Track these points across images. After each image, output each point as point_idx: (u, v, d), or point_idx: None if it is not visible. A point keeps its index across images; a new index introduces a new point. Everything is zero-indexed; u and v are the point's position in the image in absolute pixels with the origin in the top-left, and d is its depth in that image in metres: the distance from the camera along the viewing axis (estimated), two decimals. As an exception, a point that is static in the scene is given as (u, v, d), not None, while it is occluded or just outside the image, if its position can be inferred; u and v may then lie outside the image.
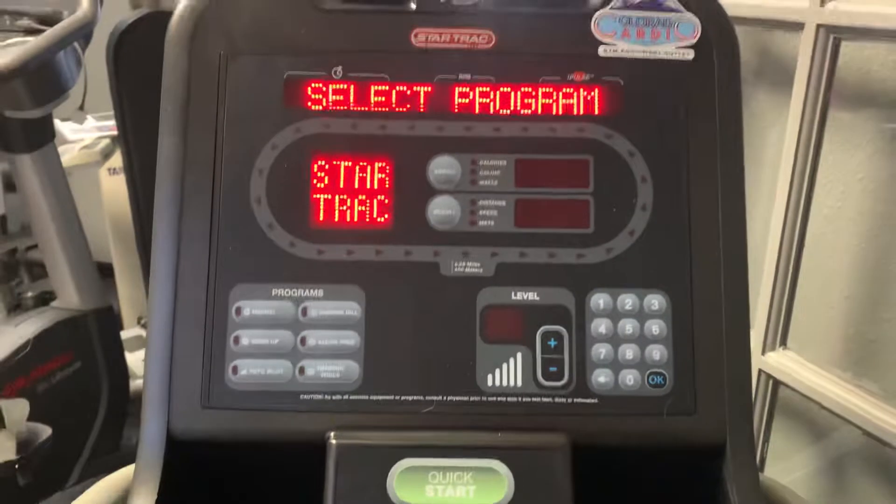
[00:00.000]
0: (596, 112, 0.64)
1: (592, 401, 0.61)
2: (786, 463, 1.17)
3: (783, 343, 1.07)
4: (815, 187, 1.02)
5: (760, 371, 1.08)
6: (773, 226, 1.03)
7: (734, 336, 0.63)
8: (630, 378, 0.61)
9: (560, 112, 0.64)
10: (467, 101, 0.64)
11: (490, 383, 0.61)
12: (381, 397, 0.60)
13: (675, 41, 0.65)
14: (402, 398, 0.60)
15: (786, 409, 1.14)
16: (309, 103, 0.64)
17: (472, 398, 0.61)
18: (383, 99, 0.64)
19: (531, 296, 0.62)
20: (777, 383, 1.09)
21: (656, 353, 0.62)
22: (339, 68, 0.64)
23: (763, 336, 1.06)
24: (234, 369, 0.61)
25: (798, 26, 0.97)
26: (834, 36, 0.94)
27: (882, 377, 0.98)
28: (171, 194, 0.62)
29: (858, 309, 1.02)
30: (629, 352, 0.62)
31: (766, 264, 1.05)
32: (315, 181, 0.63)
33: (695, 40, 0.65)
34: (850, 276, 1.03)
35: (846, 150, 1.02)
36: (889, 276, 0.99)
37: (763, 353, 1.06)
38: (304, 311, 0.61)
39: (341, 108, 0.64)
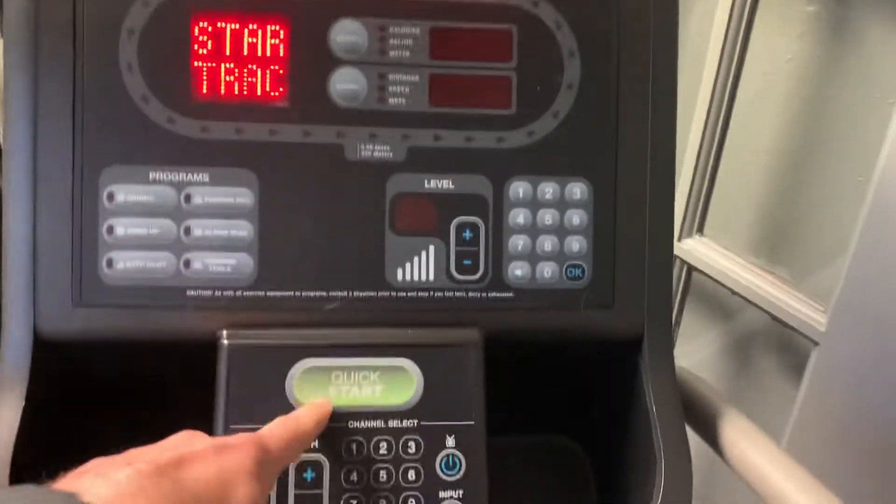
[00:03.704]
0: (521, -26, 0.57)
1: (508, 294, 0.57)
2: (695, 343, 1.20)
3: (700, 230, 1.06)
4: (743, 68, 0.98)
5: (676, 257, 1.08)
6: (699, 109, 1.00)
7: (657, 227, 0.59)
8: (548, 270, 0.58)
9: (481, -28, 0.57)
10: (374, -46, 0.56)
11: (400, 278, 0.56)
12: (278, 293, 0.55)
13: None
14: (303, 294, 0.55)
15: (698, 293, 1.16)
16: (187, -48, 0.54)
17: (380, 293, 0.56)
18: (276, -51, 0.55)
19: (446, 184, 0.57)
20: (691, 269, 1.09)
21: (575, 244, 0.58)
22: None
23: (681, 223, 1.05)
24: (109, 262, 0.54)
25: None
26: None
27: (793, 263, 0.99)
28: (21, 59, 0.53)
29: (775, 195, 1.02)
30: (548, 243, 0.58)
31: (687, 149, 1.02)
32: (196, 46, 0.54)
33: None
34: (769, 162, 1.02)
35: (776, 28, 0.98)
36: (806, 163, 0.98)
37: (679, 239, 1.05)
38: (188, 198, 0.54)
39: (226, -42, 0.54)
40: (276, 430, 0.47)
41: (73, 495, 0.34)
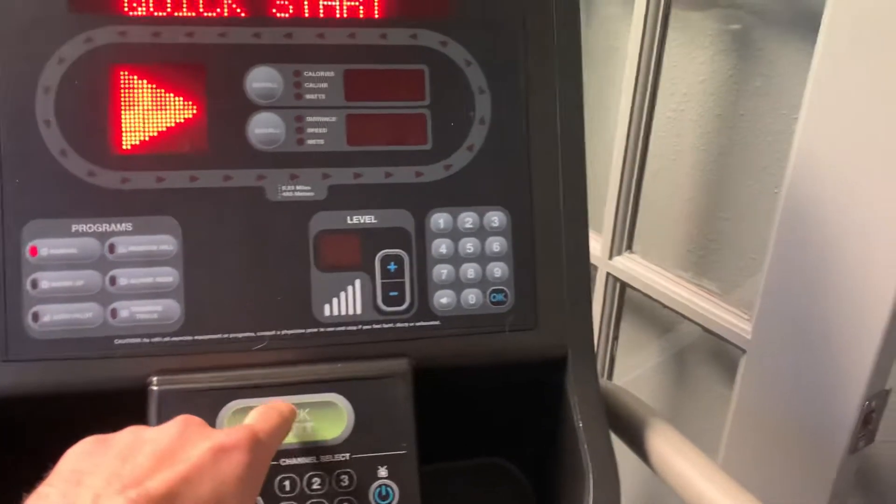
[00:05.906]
0: (428, 15, 0.59)
1: (435, 323, 0.59)
2: (635, 357, 1.23)
3: (629, 247, 1.09)
4: (658, 89, 1.02)
5: (608, 274, 1.11)
6: (619, 130, 1.04)
7: (573, 248, 0.62)
8: (472, 297, 0.60)
9: (390, 15, 0.59)
10: (285, 2, 0.58)
11: (328, 313, 0.58)
12: (206, 337, 0.56)
13: (511, -62, 0.60)
14: (231, 336, 0.56)
15: (633, 308, 1.19)
16: (100, 8, 0.55)
17: (308, 330, 0.57)
18: (188, 1, 0.56)
19: (368, 219, 0.59)
20: (623, 285, 1.12)
21: (497, 270, 0.60)
22: (133, -34, 0.55)
23: (610, 241, 1.08)
24: (35, 316, 0.54)
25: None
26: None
27: (719, 275, 1.03)
28: (-64, 119, 0.53)
29: (699, 210, 1.06)
30: (470, 271, 0.60)
31: (612, 170, 1.06)
32: (113, 99, 0.55)
33: (531, -63, 0.61)
34: (692, 179, 1.06)
35: (689, 52, 1.03)
36: (726, 178, 1.02)
37: (610, 257, 1.08)
38: (112, 248, 0.55)
39: (139, 12, 0.56)
40: (266, 421, 0.48)
41: None
